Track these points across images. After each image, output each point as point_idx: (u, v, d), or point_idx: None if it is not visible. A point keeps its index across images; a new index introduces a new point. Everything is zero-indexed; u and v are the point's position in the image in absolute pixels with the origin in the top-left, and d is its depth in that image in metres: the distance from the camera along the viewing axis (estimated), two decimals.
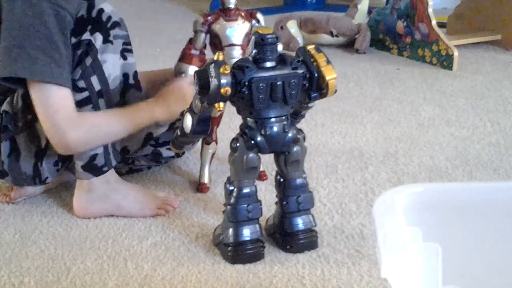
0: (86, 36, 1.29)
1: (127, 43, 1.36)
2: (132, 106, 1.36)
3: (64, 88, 1.26)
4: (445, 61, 2.52)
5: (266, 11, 3.49)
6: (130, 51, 1.37)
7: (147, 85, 1.49)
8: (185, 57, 1.47)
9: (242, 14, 1.46)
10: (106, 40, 1.31)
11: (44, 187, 1.52)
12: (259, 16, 1.48)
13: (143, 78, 1.44)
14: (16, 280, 1.19)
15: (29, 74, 1.23)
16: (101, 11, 1.31)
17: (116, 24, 1.33)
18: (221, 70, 1.14)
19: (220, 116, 1.53)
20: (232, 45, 1.43)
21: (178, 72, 1.48)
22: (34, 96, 1.26)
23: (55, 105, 1.25)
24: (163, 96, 1.40)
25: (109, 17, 1.32)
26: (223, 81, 1.14)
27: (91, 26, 1.30)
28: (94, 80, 1.30)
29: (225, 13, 1.44)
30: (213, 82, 1.14)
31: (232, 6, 1.43)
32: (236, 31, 1.43)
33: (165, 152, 1.58)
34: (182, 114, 1.30)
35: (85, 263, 1.24)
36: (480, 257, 0.81)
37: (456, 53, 2.49)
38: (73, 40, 1.28)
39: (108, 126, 1.32)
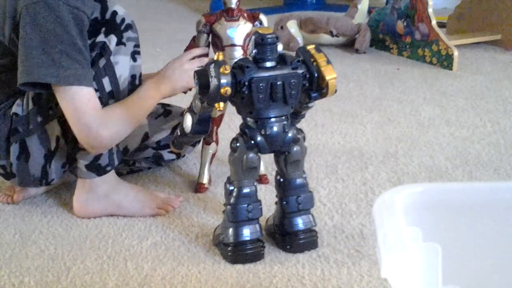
0: (101, 38, 1.30)
1: (137, 45, 1.37)
2: (140, 89, 1.37)
3: (89, 88, 1.27)
4: (445, 61, 2.52)
5: (266, 11, 3.48)
6: (139, 53, 1.38)
7: None
8: None
9: (245, 15, 1.45)
10: (119, 42, 1.32)
11: (46, 188, 1.52)
12: (262, 17, 1.47)
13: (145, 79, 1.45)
14: (16, 280, 1.19)
15: (55, 79, 1.23)
16: (114, 13, 1.31)
17: (129, 27, 1.34)
18: (221, 70, 1.14)
19: (221, 117, 1.53)
20: (233, 45, 1.43)
21: None
22: (61, 100, 1.26)
23: (82, 107, 1.26)
24: (166, 74, 1.39)
25: (123, 20, 1.33)
26: (223, 81, 1.14)
27: (105, 28, 1.30)
28: (106, 81, 1.31)
29: (227, 13, 1.44)
30: (213, 82, 1.14)
31: (233, 6, 1.43)
32: (237, 32, 1.43)
33: (166, 154, 1.59)
34: (182, 114, 1.30)
35: (85, 263, 1.24)
36: (480, 257, 0.81)
37: (456, 53, 2.49)
38: (88, 41, 1.29)
39: (131, 114, 1.33)
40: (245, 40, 1.43)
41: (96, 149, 1.32)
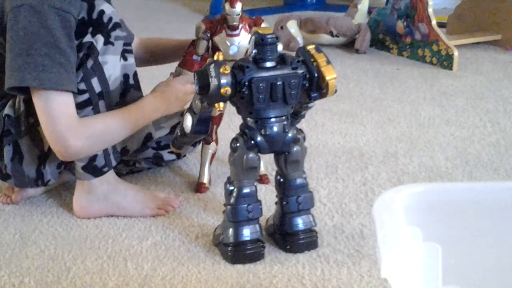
0: (88, 38, 1.28)
1: (127, 43, 1.36)
2: (133, 105, 1.36)
3: (68, 95, 1.25)
4: (445, 61, 2.52)
5: (266, 11, 3.49)
6: (130, 51, 1.37)
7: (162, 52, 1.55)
8: (186, 63, 1.45)
9: (246, 26, 1.41)
10: (107, 42, 1.30)
11: (45, 188, 1.52)
12: (264, 26, 1.41)
13: (157, 44, 1.44)
14: (16, 280, 1.19)
15: (37, 82, 1.22)
16: (101, 12, 1.30)
17: (117, 26, 1.33)
18: (221, 70, 1.14)
19: (220, 116, 1.53)
20: (234, 61, 1.41)
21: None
22: (37, 103, 1.25)
23: (57, 113, 1.25)
24: (164, 95, 1.38)
25: (110, 19, 1.31)
26: (223, 81, 1.14)
27: (92, 28, 1.29)
28: (95, 82, 1.30)
29: (228, 26, 1.39)
30: (213, 82, 1.14)
31: (236, 23, 1.39)
32: (239, 47, 1.39)
33: (166, 155, 1.58)
34: (182, 114, 1.30)
35: (85, 263, 1.24)
36: (480, 257, 0.81)
37: (456, 53, 2.49)
38: (75, 42, 1.28)
39: (109, 131, 1.32)
40: (245, 53, 1.39)
41: (63, 157, 1.31)
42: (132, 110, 1.35)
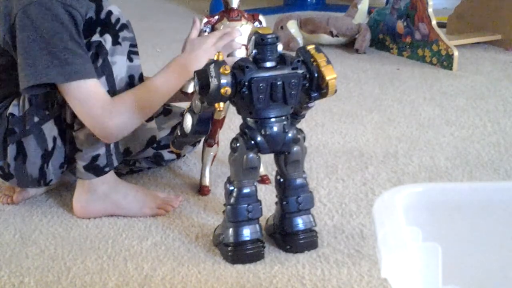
0: (96, 37, 1.30)
1: (133, 45, 1.36)
2: (161, 73, 1.35)
3: (94, 80, 1.27)
4: (445, 61, 2.52)
5: (266, 11, 3.50)
6: (136, 53, 1.37)
7: None
8: None
9: (245, 15, 1.45)
10: (115, 42, 1.32)
11: (46, 188, 1.52)
12: (261, 18, 1.47)
13: None
14: (16, 280, 1.19)
15: (63, 77, 1.24)
16: (109, 13, 1.31)
17: (124, 26, 1.34)
18: (221, 70, 1.14)
19: (223, 118, 1.53)
20: None
21: None
22: (67, 96, 1.27)
23: (90, 99, 1.26)
24: (194, 54, 1.36)
25: (118, 19, 1.32)
26: (223, 81, 1.14)
27: (100, 28, 1.30)
28: (103, 81, 1.31)
29: (228, 13, 1.43)
30: (213, 82, 1.14)
31: (235, 6, 1.42)
32: (241, 32, 1.42)
33: (167, 154, 1.59)
34: (182, 114, 1.30)
35: (85, 263, 1.24)
36: (480, 257, 0.81)
37: (456, 53, 2.49)
38: (83, 40, 1.29)
39: (142, 103, 1.31)
40: (248, 40, 1.42)
41: (107, 139, 1.32)
42: (166, 76, 1.34)
